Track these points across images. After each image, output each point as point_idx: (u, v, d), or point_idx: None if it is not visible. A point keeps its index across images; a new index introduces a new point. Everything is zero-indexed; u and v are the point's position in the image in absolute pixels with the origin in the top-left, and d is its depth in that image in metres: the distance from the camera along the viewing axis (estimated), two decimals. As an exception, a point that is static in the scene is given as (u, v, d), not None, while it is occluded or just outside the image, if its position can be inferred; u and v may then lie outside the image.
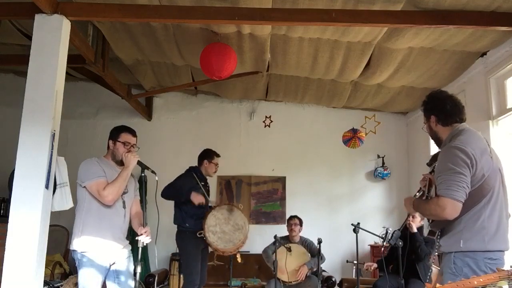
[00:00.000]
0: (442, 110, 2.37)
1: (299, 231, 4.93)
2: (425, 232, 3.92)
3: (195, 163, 4.37)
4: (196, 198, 4.00)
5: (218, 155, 4.38)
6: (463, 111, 2.39)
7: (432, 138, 2.52)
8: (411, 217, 4.44)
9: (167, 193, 4.01)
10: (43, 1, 3.11)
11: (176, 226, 4.16)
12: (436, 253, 2.36)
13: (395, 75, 4.78)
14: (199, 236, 3.97)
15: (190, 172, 4.25)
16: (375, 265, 4.55)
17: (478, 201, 2.17)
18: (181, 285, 4.28)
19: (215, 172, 4.39)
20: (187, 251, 4.04)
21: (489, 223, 2.16)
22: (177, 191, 4.03)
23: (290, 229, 4.91)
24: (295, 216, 4.98)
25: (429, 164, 2.69)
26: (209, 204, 4.30)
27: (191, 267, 3.99)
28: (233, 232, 4.01)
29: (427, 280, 4.03)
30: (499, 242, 2.17)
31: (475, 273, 2.02)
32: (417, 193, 2.68)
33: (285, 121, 6.40)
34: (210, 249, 4.21)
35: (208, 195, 4.40)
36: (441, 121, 2.38)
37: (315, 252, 4.52)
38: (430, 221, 2.38)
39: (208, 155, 4.34)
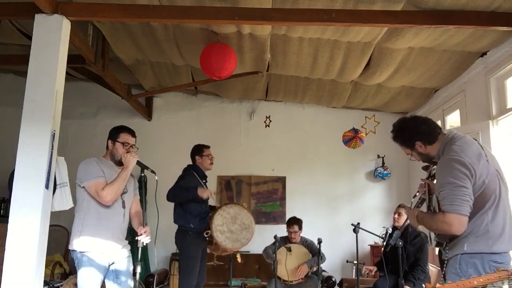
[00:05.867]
0: (421, 131, 2.38)
1: (299, 235, 4.87)
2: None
3: (195, 163, 4.34)
4: (204, 193, 3.95)
5: (207, 146, 4.29)
6: (434, 122, 2.43)
7: (424, 161, 2.49)
8: (396, 214, 4.41)
9: (174, 195, 3.95)
10: (43, 1, 3.11)
11: (175, 225, 4.12)
12: (446, 259, 2.28)
13: (395, 75, 4.78)
14: (206, 236, 3.91)
15: (190, 171, 4.18)
16: (375, 268, 4.39)
17: (481, 208, 2.15)
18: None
19: (211, 163, 4.27)
20: (188, 252, 3.97)
21: (493, 226, 2.14)
22: (185, 190, 3.95)
23: (290, 237, 4.85)
24: (294, 222, 4.82)
25: (425, 168, 2.67)
26: (210, 203, 4.27)
27: (190, 268, 3.93)
28: (240, 232, 3.98)
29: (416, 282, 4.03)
30: (504, 243, 2.16)
31: (479, 275, 1.98)
32: (413, 199, 2.65)
33: (285, 121, 6.40)
34: (208, 250, 4.17)
35: None
36: (427, 141, 2.37)
37: (315, 252, 4.50)
38: (436, 233, 2.36)
39: (196, 150, 4.26)
